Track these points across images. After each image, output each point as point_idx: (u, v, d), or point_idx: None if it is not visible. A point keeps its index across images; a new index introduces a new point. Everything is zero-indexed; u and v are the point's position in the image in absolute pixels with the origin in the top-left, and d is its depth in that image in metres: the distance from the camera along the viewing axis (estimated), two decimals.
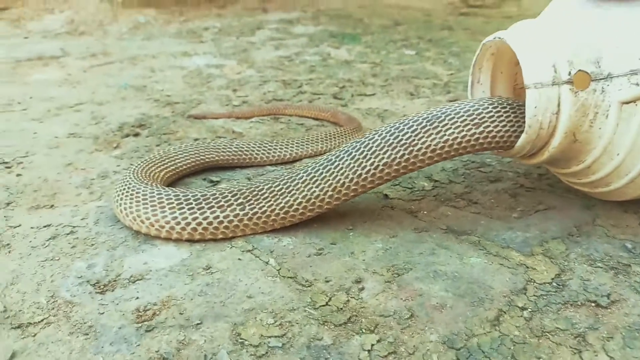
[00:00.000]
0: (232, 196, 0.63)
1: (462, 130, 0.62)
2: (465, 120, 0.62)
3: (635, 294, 0.51)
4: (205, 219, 0.62)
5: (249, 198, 0.63)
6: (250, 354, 0.45)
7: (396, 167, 0.62)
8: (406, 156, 0.62)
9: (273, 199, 0.63)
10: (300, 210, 0.64)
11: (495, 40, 0.66)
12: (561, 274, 0.55)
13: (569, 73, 0.59)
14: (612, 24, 0.59)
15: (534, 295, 0.52)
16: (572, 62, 0.59)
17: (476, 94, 0.74)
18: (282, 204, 0.63)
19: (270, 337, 0.47)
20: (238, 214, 0.63)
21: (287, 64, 1.64)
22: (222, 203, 0.63)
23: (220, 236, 0.63)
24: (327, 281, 0.55)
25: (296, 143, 0.89)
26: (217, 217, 0.62)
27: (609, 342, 0.46)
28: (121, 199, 0.66)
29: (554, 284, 0.53)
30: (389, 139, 0.62)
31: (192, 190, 0.64)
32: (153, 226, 0.63)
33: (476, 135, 0.62)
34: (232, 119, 1.10)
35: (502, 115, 0.63)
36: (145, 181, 0.68)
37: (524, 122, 0.62)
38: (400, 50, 1.84)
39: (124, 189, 0.67)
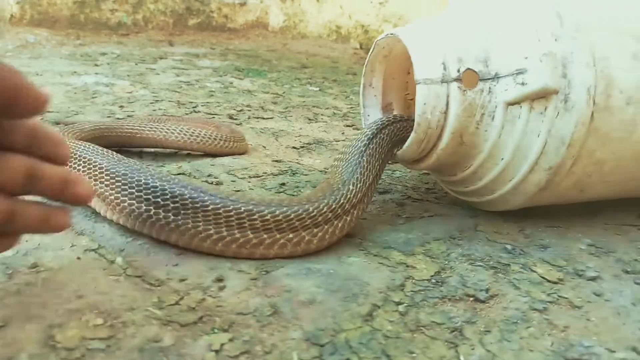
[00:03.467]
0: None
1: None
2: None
3: (513, 289, 0.49)
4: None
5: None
6: (61, 357, 0.35)
7: None
8: None
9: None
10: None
11: (388, 38, 0.65)
12: (441, 272, 0.51)
13: (458, 70, 0.58)
14: (500, 20, 0.60)
15: (412, 291, 0.47)
16: (462, 59, 0.58)
17: (368, 98, 0.71)
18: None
19: (92, 339, 0.38)
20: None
21: (186, 87, 1.57)
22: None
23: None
24: (183, 280, 0.47)
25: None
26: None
27: (486, 335, 0.42)
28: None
29: (433, 281, 0.49)
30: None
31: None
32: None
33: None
34: None
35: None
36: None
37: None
38: (304, 86, 1.84)
39: None
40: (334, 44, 3.00)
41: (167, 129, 0.83)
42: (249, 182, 0.76)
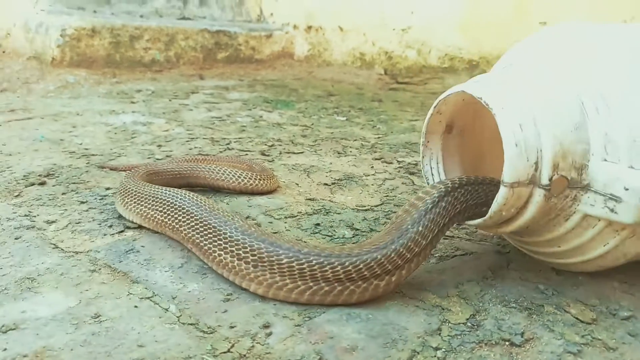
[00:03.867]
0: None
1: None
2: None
3: (548, 332, 0.50)
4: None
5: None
6: None
7: None
8: None
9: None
10: None
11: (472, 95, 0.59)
12: (476, 315, 0.53)
13: (550, 179, 0.54)
14: (607, 121, 0.54)
15: (448, 335, 0.49)
16: (558, 166, 0.54)
17: (434, 124, 0.68)
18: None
19: None
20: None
21: (218, 123, 1.63)
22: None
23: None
24: (232, 327, 0.50)
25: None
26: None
27: None
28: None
29: (469, 324, 0.51)
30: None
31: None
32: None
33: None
34: None
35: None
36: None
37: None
38: (331, 116, 1.89)
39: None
40: (359, 71, 3.05)
41: (207, 169, 0.90)
42: (285, 222, 0.80)
